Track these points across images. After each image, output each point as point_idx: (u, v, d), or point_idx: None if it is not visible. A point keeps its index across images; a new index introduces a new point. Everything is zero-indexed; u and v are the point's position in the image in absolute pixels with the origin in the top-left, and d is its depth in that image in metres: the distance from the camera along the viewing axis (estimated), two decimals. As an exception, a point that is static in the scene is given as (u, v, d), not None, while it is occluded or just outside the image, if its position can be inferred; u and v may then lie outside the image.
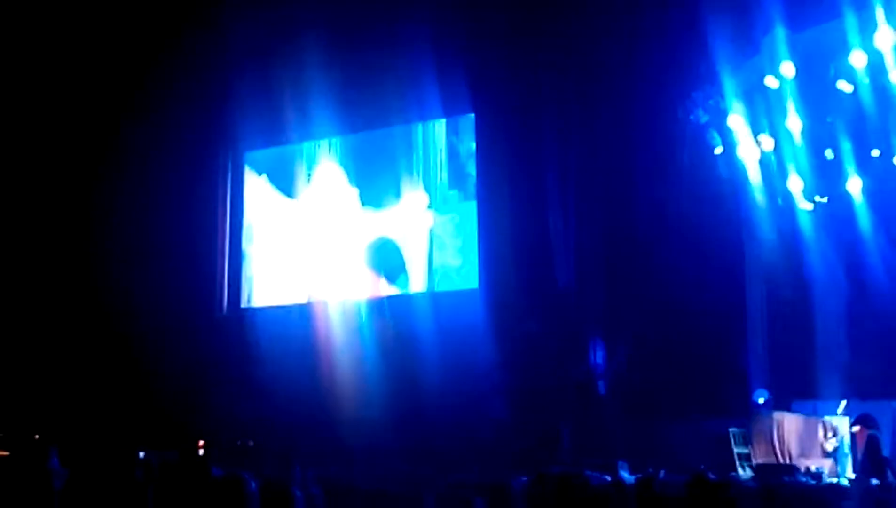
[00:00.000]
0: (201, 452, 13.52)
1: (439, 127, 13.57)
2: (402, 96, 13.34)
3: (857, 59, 10.43)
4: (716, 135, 11.64)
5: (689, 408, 11.19)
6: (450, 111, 13.29)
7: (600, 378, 12.07)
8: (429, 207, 13.51)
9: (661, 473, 9.41)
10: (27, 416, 13.49)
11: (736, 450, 10.58)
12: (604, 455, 10.49)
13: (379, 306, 13.75)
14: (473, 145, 13.31)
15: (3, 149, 14.62)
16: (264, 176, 14.89)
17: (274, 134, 14.47)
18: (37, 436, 12.93)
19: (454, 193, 13.39)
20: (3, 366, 14.02)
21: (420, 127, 13.71)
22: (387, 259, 13.77)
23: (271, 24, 13.61)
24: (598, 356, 12.14)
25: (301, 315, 14.21)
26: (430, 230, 13.46)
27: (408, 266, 13.64)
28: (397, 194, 13.77)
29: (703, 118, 11.65)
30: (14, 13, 13.96)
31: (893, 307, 11.03)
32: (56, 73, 14.52)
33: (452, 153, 13.46)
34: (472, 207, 13.20)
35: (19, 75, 14.47)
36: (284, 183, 14.67)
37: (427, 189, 13.54)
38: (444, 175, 13.45)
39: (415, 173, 13.62)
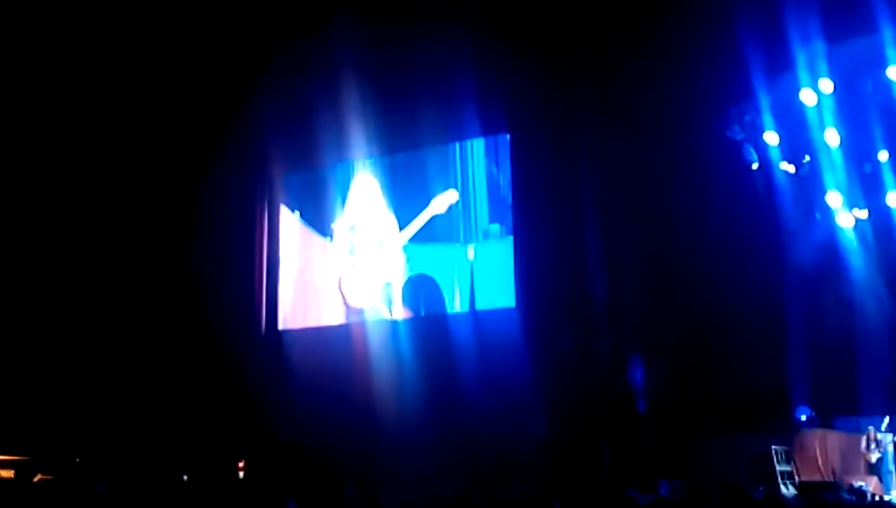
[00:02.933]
0: (241, 473, 13.63)
1: (479, 158, 13.52)
2: (438, 116, 13.35)
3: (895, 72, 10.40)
4: (752, 150, 11.62)
5: (730, 425, 11.09)
6: (485, 131, 13.29)
7: (640, 395, 12.01)
8: (469, 241, 13.43)
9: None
10: (67, 437, 13.64)
11: (778, 468, 10.49)
12: (644, 472, 10.45)
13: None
14: (512, 172, 13.27)
15: (72, 177, 14.82)
16: (297, 213, 14.92)
17: (311, 156, 14.50)
18: (78, 459, 13.08)
19: (495, 226, 13.34)
20: (46, 388, 14.16)
21: (458, 157, 13.67)
22: (425, 296, 13.73)
23: (308, 46, 13.66)
24: (637, 373, 12.07)
25: (338, 336, 14.21)
26: (471, 263, 13.37)
27: (447, 300, 13.58)
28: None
29: (740, 134, 11.63)
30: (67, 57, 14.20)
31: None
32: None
33: (492, 185, 13.43)
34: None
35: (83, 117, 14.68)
36: (317, 221, 14.69)
37: (467, 222, 13.47)
38: (485, 208, 13.40)
39: (454, 206, 13.59)
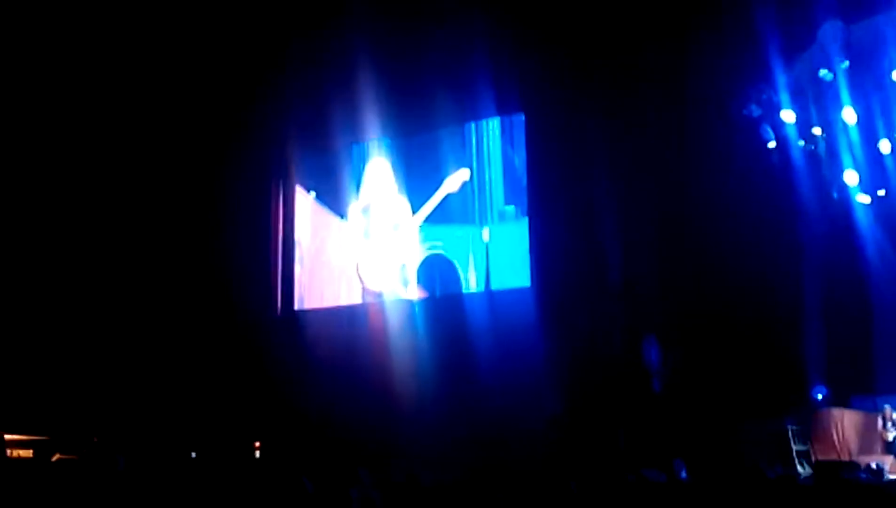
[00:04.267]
0: (257, 452, 13.69)
1: (494, 139, 13.48)
2: (453, 97, 13.33)
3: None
4: (769, 129, 11.55)
5: (746, 405, 11.07)
6: (500, 111, 13.27)
7: (655, 376, 11.98)
8: (485, 222, 13.42)
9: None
10: (85, 417, 13.72)
11: (795, 448, 10.47)
12: (660, 453, 10.44)
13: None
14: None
15: (89, 159, 14.89)
16: (312, 194, 14.92)
17: (326, 138, 14.48)
18: (96, 439, 13.15)
19: (511, 207, 13.32)
20: (64, 368, 14.24)
21: (473, 138, 13.63)
22: (440, 276, 13.73)
23: (323, 28, 13.66)
24: (653, 353, 12.04)
25: (353, 316, 14.23)
26: (487, 244, 13.34)
27: (462, 281, 13.57)
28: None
29: (757, 112, 11.56)
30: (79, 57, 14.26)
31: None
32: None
33: (508, 165, 13.39)
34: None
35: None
36: (333, 201, 14.69)
37: (482, 203, 13.45)
38: (500, 189, 13.36)
39: (469, 187, 13.55)
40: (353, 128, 14.08)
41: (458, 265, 13.61)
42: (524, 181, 13.21)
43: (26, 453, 12.43)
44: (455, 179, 13.54)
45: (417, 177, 14.02)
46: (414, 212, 13.89)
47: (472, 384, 12.71)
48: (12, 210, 14.64)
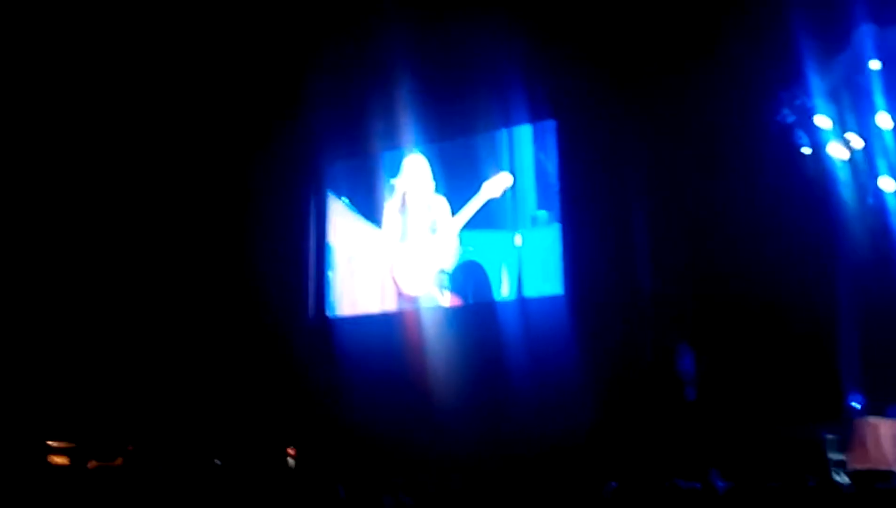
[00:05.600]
0: (291, 459, 13.73)
1: (526, 145, 13.45)
2: (484, 103, 13.34)
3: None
4: (803, 135, 11.46)
5: (781, 414, 10.98)
6: (532, 117, 13.25)
7: (689, 385, 11.92)
8: (517, 228, 13.38)
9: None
10: (119, 423, 13.82)
11: (831, 457, 10.37)
12: (694, 461, 10.37)
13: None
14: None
15: (123, 165, 15.08)
16: (345, 200, 14.94)
17: (360, 144, 14.55)
18: (130, 447, 13.25)
19: (543, 213, 13.26)
20: (95, 373, 14.36)
21: (506, 144, 13.59)
22: (473, 282, 13.69)
23: (356, 36, 13.70)
24: (686, 362, 11.98)
25: (386, 323, 14.23)
26: (519, 250, 13.31)
27: (494, 287, 13.53)
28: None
29: (790, 118, 11.47)
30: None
31: None
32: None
33: (540, 171, 13.34)
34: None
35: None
36: (366, 207, 14.72)
37: (515, 209, 13.41)
38: (532, 194, 13.32)
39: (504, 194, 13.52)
40: (385, 134, 14.12)
41: (490, 271, 13.58)
42: (556, 186, 13.14)
43: (62, 459, 12.54)
44: (496, 184, 13.48)
45: (453, 180, 13.99)
46: (452, 215, 13.84)
47: (505, 391, 12.69)
48: (51, 219, 14.82)
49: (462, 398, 12.84)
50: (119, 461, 12.57)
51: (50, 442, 12.90)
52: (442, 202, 13.97)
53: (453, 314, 13.77)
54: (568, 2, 12.66)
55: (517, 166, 13.48)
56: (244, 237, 15.08)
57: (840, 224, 11.32)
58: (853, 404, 10.95)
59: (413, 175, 14.25)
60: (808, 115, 11.27)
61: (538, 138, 13.42)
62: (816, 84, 11.15)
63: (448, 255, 13.86)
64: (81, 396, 14.16)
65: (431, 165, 14.17)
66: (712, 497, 8.76)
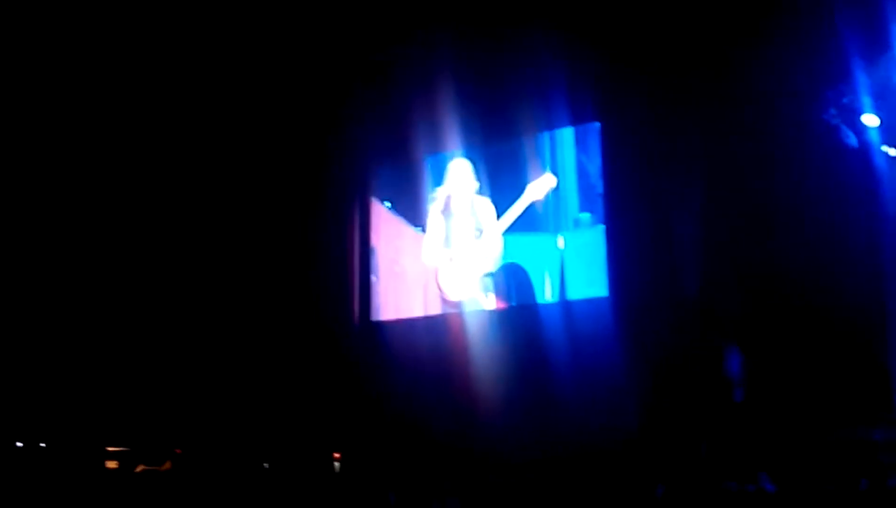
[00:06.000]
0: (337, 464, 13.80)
1: (568, 147, 13.40)
2: (527, 106, 13.29)
3: None
4: (850, 134, 11.33)
5: (832, 415, 10.87)
6: (575, 120, 13.20)
7: (737, 386, 11.82)
8: (560, 230, 13.33)
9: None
10: (168, 427, 13.95)
11: (883, 459, 10.25)
12: (743, 465, 10.29)
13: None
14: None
15: (175, 174, 15.33)
16: (388, 204, 14.99)
17: (403, 149, 14.53)
18: (178, 450, 13.37)
19: (586, 215, 13.20)
20: (145, 378, 14.53)
21: (548, 146, 13.56)
22: (516, 285, 13.66)
23: (400, 44, 13.76)
24: (734, 364, 11.88)
25: (431, 326, 14.23)
26: (561, 252, 13.27)
27: (538, 290, 13.49)
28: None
29: (837, 118, 11.35)
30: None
31: None
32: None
33: (582, 173, 13.29)
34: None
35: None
36: (409, 212, 14.73)
37: (557, 211, 13.35)
38: (575, 197, 13.27)
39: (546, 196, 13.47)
40: (428, 139, 14.11)
41: (532, 274, 13.55)
42: (599, 189, 13.07)
43: (112, 464, 12.69)
44: (540, 186, 13.42)
45: (497, 184, 13.94)
46: (497, 218, 13.81)
47: (550, 394, 12.65)
48: (103, 220, 15.05)
49: (508, 401, 12.83)
50: (167, 465, 12.70)
51: (107, 448, 13.08)
52: (486, 205, 13.92)
53: (497, 317, 13.74)
54: (611, 1, 12.61)
55: (559, 169, 13.44)
56: (290, 244, 15.18)
57: (889, 223, 11.19)
58: None
59: (457, 179, 14.21)
60: (855, 114, 11.16)
61: (580, 140, 13.37)
62: (864, 83, 11.03)
63: (492, 258, 13.82)
64: (135, 400, 14.32)
65: (475, 169, 14.13)
66: (762, 500, 8.71)
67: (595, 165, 13.14)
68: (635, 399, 12.07)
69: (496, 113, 13.63)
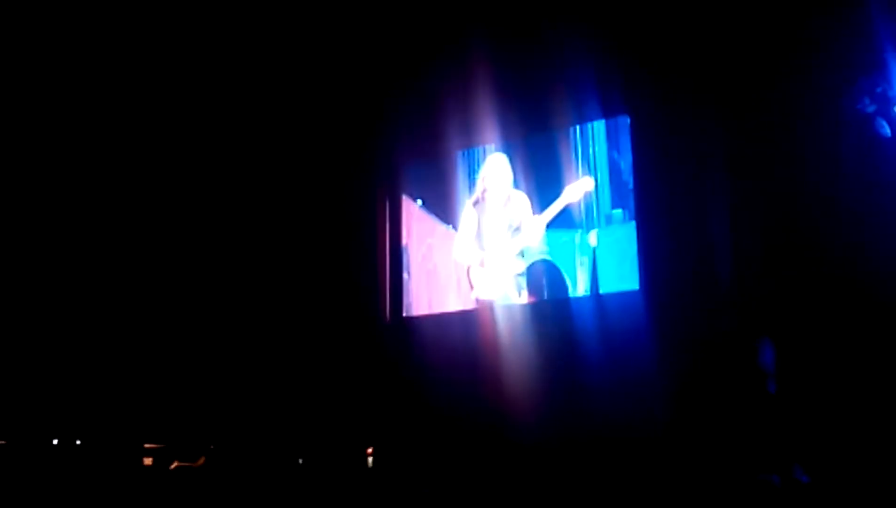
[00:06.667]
0: (370, 459, 13.84)
1: (600, 142, 13.31)
2: (558, 100, 13.25)
3: None
4: (884, 124, 11.21)
5: (866, 408, 10.75)
6: (606, 113, 13.14)
7: (770, 379, 11.72)
8: (592, 226, 13.25)
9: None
10: (202, 425, 14.05)
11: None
12: (777, 456, 10.21)
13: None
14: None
15: (201, 172, 15.54)
16: (419, 201, 14.98)
17: (431, 144, 14.55)
18: (212, 446, 13.46)
19: (618, 211, 13.10)
20: (178, 374, 14.65)
21: (580, 142, 13.47)
22: (549, 281, 13.62)
23: (429, 37, 13.78)
24: (767, 356, 11.78)
25: (462, 322, 14.23)
26: (594, 249, 13.21)
27: (570, 286, 13.44)
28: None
29: (871, 107, 11.23)
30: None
31: None
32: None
33: (614, 169, 13.19)
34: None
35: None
36: (440, 208, 14.72)
37: (589, 207, 13.28)
38: (607, 192, 13.16)
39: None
40: (459, 134, 14.12)
41: (565, 271, 13.51)
42: (630, 184, 13.00)
43: (147, 460, 12.80)
44: (577, 189, 13.35)
45: (530, 180, 13.88)
46: (534, 212, 13.76)
47: (583, 386, 12.60)
48: (136, 218, 15.22)
49: (540, 394, 12.79)
50: (201, 460, 12.77)
51: (145, 444, 13.20)
52: (522, 200, 13.87)
53: (529, 311, 13.69)
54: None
55: (592, 165, 13.38)
56: (321, 241, 15.26)
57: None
58: None
59: (492, 174, 14.20)
60: (889, 104, 11.04)
61: (612, 136, 13.27)
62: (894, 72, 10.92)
63: (527, 254, 13.79)
64: (170, 397, 14.45)
65: (509, 164, 14.09)
66: (796, 491, 8.64)
67: (627, 161, 13.08)
68: (668, 390, 11.99)
69: (528, 107, 13.62)
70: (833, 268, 11.34)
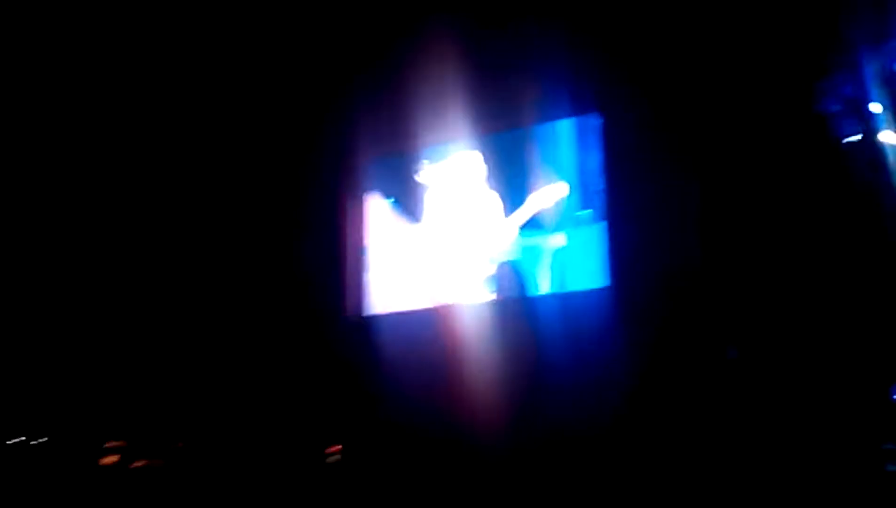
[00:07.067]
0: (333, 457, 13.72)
1: (569, 142, 13.32)
2: (526, 97, 13.21)
3: None
4: (851, 124, 11.34)
5: (827, 420, 10.88)
6: (575, 111, 13.13)
7: (734, 379, 11.82)
8: (560, 228, 13.26)
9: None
10: (168, 422, 13.86)
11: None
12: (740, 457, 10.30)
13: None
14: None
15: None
16: (383, 198, 14.88)
17: (395, 141, 14.46)
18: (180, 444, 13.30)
19: (586, 212, 13.10)
20: (142, 372, 14.43)
21: (548, 146, 13.47)
22: (515, 281, 13.60)
23: (392, 31, 13.71)
24: (733, 355, 11.88)
25: (424, 320, 14.15)
26: (561, 249, 13.25)
27: (536, 285, 13.44)
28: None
29: (836, 107, 11.37)
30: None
31: None
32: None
33: (583, 170, 13.18)
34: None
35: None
36: (406, 207, 14.63)
37: (558, 209, 13.27)
38: (576, 194, 13.16)
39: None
40: (424, 131, 14.02)
41: (532, 272, 13.48)
42: (599, 185, 12.98)
43: (113, 458, 12.58)
44: (549, 193, 13.30)
45: (502, 177, 13.85)
46: (503, 212, 13.71)
47: (545, 385, 12.58)
48: (86, 213, 14.96)
49: (504, 392, 12.73)
50: (161, 461, 12.61)
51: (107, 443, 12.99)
52: (493, 200, 13.81)
53: (493, 309, 13.63)
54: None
55: (561, 164, 13.35)
56: (282, 239, 15.11)
57: (891, 215, 11.19)
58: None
59: (459, 172, 14.14)
60: (857, 104, 11.18)
61: (581, 138, 13.24)
62: (864, 71, 11.05)
63: (493, 254, 13.75)
64: (130, 396, 14.24)
65: (476, 162, 14.03)
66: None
67: (595, 163, 13.06)
68: (630, 387, 12.01)
69: (495, 103, 13.53)
70: (800, 271, 11.45)
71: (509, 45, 13.20)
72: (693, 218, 12.17)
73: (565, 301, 13.06)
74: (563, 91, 12.92)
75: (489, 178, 13.92)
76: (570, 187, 13.20)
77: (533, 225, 13.41)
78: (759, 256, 11.81)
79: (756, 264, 11.81)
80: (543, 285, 13.36)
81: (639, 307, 12.26)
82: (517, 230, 13.49)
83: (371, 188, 15.03)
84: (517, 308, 13.50)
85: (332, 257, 15.16)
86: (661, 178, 12.40)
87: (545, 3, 12.63)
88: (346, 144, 15.05)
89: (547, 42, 12.74)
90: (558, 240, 13.22)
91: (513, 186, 13.63)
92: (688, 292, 12.03)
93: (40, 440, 13.05)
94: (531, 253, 13.48)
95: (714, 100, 12.08)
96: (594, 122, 13.13)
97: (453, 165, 14.22)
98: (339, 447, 13.67)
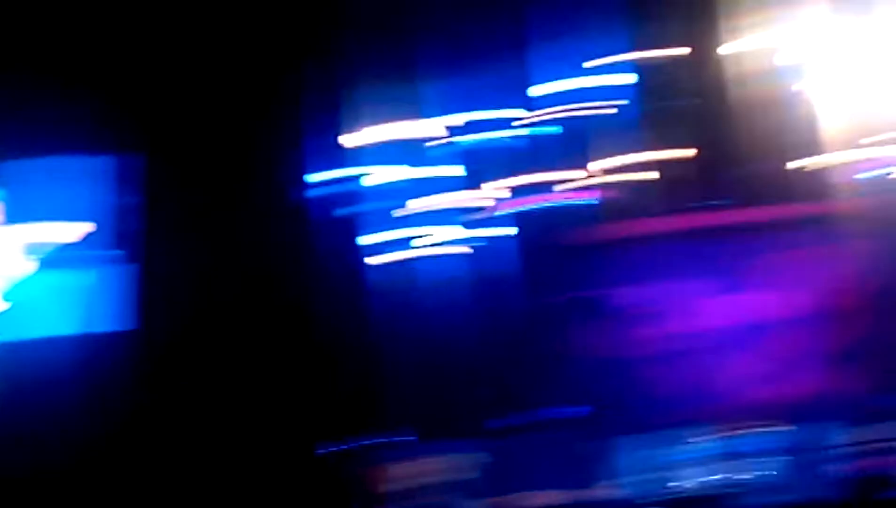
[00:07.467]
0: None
1: (105, 183, 13.22)
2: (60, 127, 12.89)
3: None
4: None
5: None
6: (116, 148, 13.06)
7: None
8: (85, 267, 13.08)
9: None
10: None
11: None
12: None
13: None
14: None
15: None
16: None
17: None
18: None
19: (120, 253, 13.09)
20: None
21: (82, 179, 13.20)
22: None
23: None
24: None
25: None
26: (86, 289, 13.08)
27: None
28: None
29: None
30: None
31: None
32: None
33: (116, 209, 13.16)
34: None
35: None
36: None
37: (84, 248, 13.12)
38: (105, 233, 13.17)
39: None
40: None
41: (50, 311, 12.95)
42: (130, 225, 12.94)
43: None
44: (73, 230, 12.97)
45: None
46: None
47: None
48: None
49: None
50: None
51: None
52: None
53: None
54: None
55: (95, 202, 13.03)
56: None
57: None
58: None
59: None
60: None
61: (120, 174, 13.05)
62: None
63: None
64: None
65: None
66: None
67: (131, 201, 12.97)
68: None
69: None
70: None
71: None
72: (223, 265, 12.64)
73: (87, 343, 12.75)
74: (106, 128, 12.77)
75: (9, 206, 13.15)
76: (102, 226, 13.03)
77: (55, 262, 12.94)
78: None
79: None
80: (64, 325, 12.92)
81: (166, 351, 12.40)
82: (34, 267, 12.98)
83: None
84: (29, 350, 12.91)
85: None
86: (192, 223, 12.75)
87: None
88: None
89: (85, 80, 12.66)
90: (83, 279, 12.88)
91: (33, 216, 13.00)
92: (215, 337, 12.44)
93: None
94: (51, 291, 12.98)
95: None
96: (133, 162, 13.06)
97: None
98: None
